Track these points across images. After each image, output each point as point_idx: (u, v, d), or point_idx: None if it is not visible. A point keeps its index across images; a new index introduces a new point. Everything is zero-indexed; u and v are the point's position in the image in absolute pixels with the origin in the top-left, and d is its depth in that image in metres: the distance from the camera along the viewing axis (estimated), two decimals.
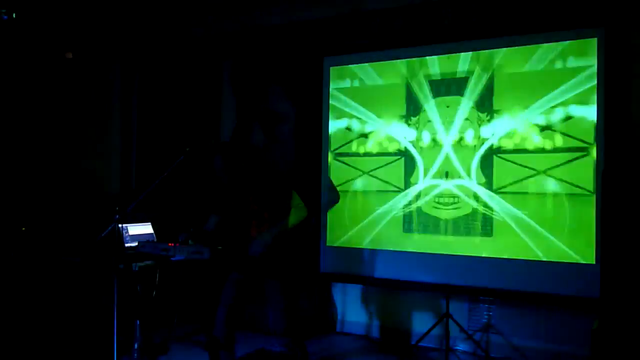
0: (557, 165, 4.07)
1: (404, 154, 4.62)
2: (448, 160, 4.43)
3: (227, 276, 3.44)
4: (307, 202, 3.54)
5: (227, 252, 3.48)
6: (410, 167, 4.59)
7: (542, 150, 4.12)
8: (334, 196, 4.90)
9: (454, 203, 4.40)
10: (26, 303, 4.64)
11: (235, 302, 3.38)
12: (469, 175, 4.36)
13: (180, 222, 4.98)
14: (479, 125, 4.34)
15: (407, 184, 4.59)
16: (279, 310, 3.37)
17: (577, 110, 4.01)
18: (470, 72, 4.37)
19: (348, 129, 4.88)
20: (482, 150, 4.32)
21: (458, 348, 4.49)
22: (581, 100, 4.00)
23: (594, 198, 3.93)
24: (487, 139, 4.31)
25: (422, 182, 4.53)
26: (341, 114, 4.91)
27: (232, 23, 5.53)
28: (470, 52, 4.38)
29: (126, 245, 4.08)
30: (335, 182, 4.91)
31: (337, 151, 4.91)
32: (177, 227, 4.28)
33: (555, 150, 4.07)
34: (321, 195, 4.92)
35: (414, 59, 4.60)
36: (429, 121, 4.52)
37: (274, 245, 3.36)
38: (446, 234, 4.42)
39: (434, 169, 4.49)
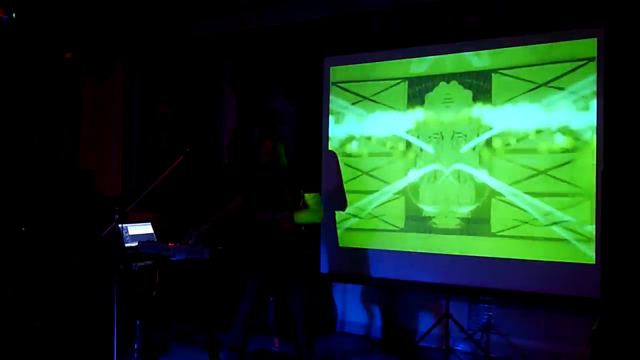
0: (557, 165, 4.06)
1: (405, 153, 4.62)
2: (449, 159, 4.43)
3: (245, 281, 3.48)
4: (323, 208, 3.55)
5: (246, 253, 3.51)
6: (410, 166, 4.58)
7: (542, 150, 4.11)
8: (339, 203, 4.82)
9: (455, 203, 4.40)
10: (26, 303, 4.64)
11: (254, 310, 3.40)
12: (469, 174, 4.35)
13: (181, 221, 4.98)
14: (479, 125, 4.33)
15: (408, 183, 4.59)
16: (302, 307, 3.45)
17: (576, 110, 4.01)
18: (469, 72, 4.37)
19: (348, 128, 4.88)
20: (482, 149, 4.32)
21: (458, 348, 4.49)
22: (581, 99, 4.00)
23: (594, 198, 3.92)
24: (487, 138, 4.31)
25: (423, 181, 4.53)
26: (341, 114, 4.91)
27: (232, 23, 5.53)
28: (470, 52, 4.38)
29: (126, 245, 4.08)
30: None
31: (336, 150, 4.91)
32: (178, 227, 4.29)
33: (555, 149, 4.07)
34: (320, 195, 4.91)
35: (414, 58, 4.60)
36: (430, 120, 4.52)
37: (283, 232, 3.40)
38: (446, 234, 4.41)
39: (434, 168, 4.48)
